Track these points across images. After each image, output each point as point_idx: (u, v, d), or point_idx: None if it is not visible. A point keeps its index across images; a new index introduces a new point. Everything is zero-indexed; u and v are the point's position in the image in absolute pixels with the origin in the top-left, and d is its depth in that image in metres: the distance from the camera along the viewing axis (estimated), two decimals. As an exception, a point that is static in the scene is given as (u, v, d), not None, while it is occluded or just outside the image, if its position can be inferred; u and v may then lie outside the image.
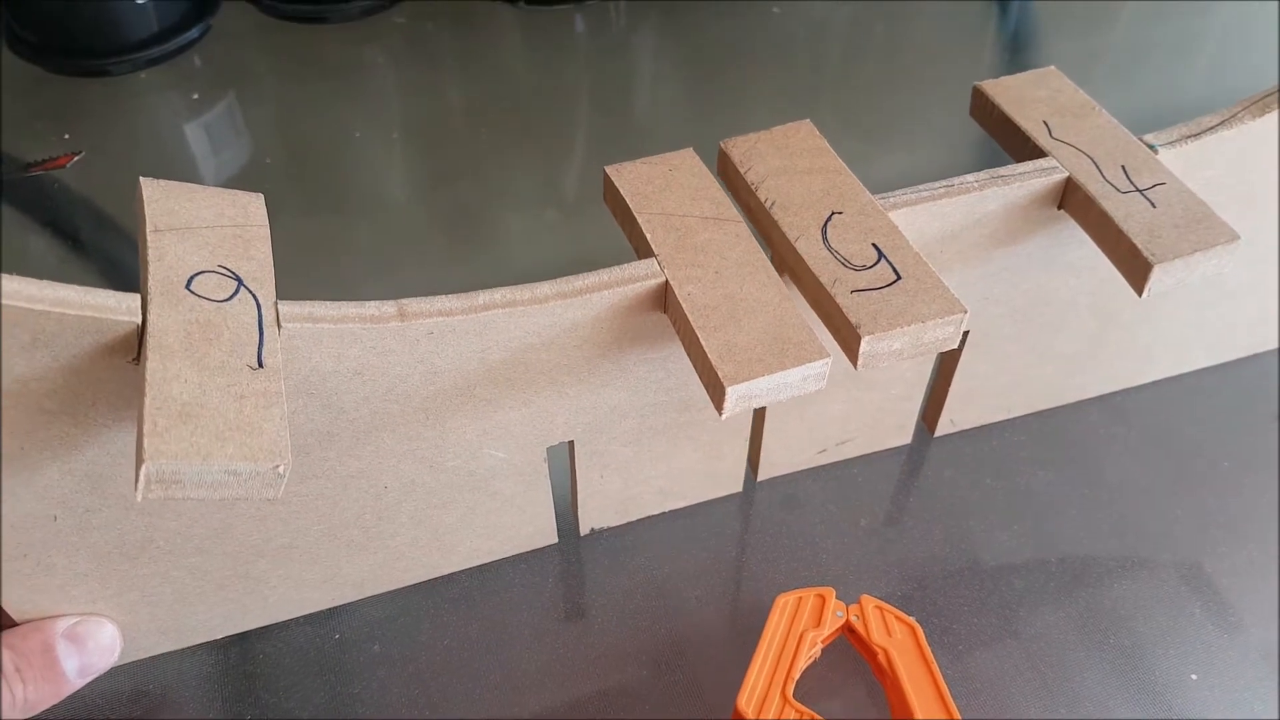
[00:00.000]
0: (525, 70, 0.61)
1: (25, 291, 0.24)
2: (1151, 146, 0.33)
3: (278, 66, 0.61)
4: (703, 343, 0.27)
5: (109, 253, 0.50)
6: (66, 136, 0.54)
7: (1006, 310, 0.37)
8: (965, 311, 0.28)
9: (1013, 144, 0.34)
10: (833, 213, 0.31)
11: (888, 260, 0.29)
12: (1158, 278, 0.29)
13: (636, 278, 0.29)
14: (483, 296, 0.28)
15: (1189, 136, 0.33)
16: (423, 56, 0.61)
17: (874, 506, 0.40)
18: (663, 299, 0.30)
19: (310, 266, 0.49)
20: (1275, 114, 0.33)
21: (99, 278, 0.48)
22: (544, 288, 0.29)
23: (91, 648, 0.32)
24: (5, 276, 0.24)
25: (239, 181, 0.49)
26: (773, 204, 0.31)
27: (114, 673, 0.34)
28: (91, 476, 0.28)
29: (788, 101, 0.59)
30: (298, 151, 0.55)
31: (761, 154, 0.33)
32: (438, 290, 0.29)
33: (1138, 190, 0.31)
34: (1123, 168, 0.32)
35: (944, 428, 0.41)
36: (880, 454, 0.41)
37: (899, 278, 0.29)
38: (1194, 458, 0.41)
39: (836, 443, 0.40)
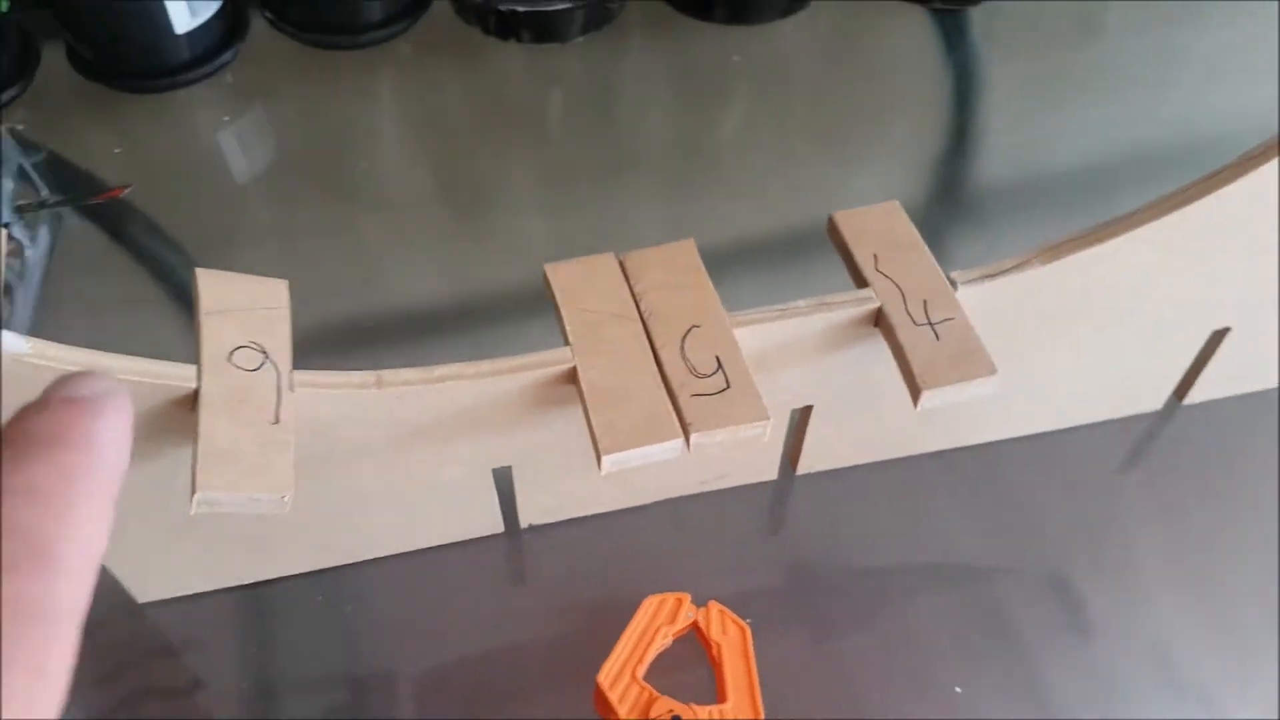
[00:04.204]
0: (523, 101, 0.71)
1: (134, 368, 0.35)
2: (953, 283, 0.43)
3: (299, 86, 0.71)
4: (591, 420, 0.38)
5: (159, 257, 0.60)
6: (117, 151, 0.64)
7: (836, 394, 0.46)
8: (769, 419, 0.37)
9: (850, 269, 0.44)
10: (693, 325, 0.40)
11: (723, 371, 0.39)
12: (926, 398, 0.39)
13: (554, 362, 0.40)
14: (439, 370, 0.39)
15: (986, 276, 0.43)
16: (428, 84, 0.71)
17: (750, 526, 0.51)
18: (575, 378, 0.40)
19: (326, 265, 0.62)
20: (1068, 259, 0.42)
21: (159, 288, 0.59)
22: (484, 366, 0.39)
23: None
24: (112, 355, 0.35)
25: (264, 186, 0.64)
26: (650, 314, 0.40)
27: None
28: (152, 475, 0.39)
29: (759, 126, 0.70)
30: (316, 161, 0.66)
31: (649, 266, 0.42)
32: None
33: (929, 323, 0.41)
34: (924, 302, 0.42)
35: (804, 469, 0.52)
36: (752, 486, 0.52)
37: (728, 386, 0.38)
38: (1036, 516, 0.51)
39: (715, 476, 0.51)
